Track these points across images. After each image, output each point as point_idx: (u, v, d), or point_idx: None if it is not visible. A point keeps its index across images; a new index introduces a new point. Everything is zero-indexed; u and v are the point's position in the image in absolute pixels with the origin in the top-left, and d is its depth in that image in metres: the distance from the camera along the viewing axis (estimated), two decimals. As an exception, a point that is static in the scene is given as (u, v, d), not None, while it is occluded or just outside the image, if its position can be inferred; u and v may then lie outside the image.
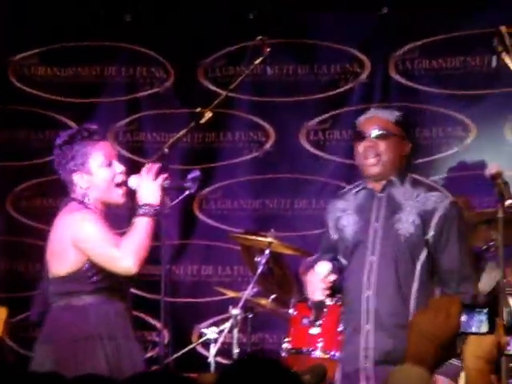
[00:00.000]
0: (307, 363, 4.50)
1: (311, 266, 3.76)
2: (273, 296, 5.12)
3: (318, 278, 3.60)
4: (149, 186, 3.55)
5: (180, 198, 3.85)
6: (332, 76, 5.87)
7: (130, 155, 5.86)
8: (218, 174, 5.93)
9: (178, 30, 5.92)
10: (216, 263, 5.92)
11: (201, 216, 5.96)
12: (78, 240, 3.48)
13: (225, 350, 5.12)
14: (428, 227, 3.64)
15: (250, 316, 5.10)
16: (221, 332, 5.00)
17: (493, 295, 4.39)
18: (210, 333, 5.05)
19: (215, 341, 5.00)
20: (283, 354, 4.80)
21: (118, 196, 3.59)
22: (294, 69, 5.91)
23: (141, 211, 3.51)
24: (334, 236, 3.78)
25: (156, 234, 3.94)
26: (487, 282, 4.25)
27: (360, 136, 3.73)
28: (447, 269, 3.63)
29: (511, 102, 5.48)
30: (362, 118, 3.79)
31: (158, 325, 5.46)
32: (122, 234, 3.54)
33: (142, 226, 3.48)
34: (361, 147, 3.71)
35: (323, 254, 3.83)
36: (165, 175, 3.60)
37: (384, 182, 3.72)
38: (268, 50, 4.32)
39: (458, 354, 2.18)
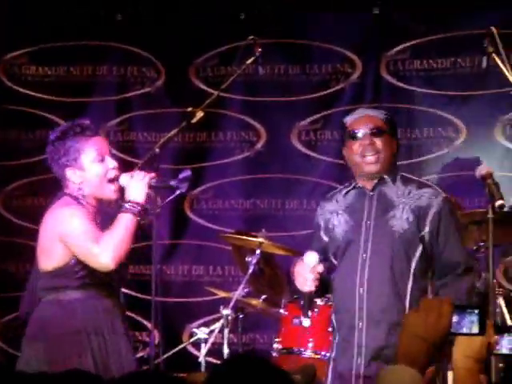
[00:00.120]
0: (298, 363, 4.50)
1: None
2: (263, 296, 5.12)
3: (307, 268, 3.60)
4: (136, 184, 3.55)
5: (171, 197, 3.85)
6: (323, 76, 5.88)
7: (121, 155, 5.85)
8: (209, 174, 5.93)
9: (169, 29, 5.92)
10: (207, 263, 5.92)
11: (192, 216, 5.96)
12: (63, 235, 3.49)
13: (215, 350, 5.12)
14: (423, 224, 3.65)
15: (241, 316, 5.10)
16: (211, 332, 5.00)
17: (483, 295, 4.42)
18: (201, 333, 5.06)
19: (206, 341, 5.01)
20: (274, 354, 4.80)
21: (110, 192, 3.58)
22: (286, 69, 5.92)
23: (124, 208, 3.51)
24: (325, 238, 3.78)
25: (147, 234, 3.94)
26: None
27: (352, 135, 3.73)
28: (453, 262, 3.63)
29: (501, 103, 5.50)
30: (351, 118, 3.78)
31: (149, 325, 5.45)
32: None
33: (123, 223, 3.48)
34: (356, 146, 3.71)
35: None
36: (152, 174, 3.59)
37: (375, 181, 3.72)
38: (259, 50, 4.32)
39: (448, 355, 2.18)
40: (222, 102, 5.66)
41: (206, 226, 5.92)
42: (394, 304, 3.58)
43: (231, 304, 4.93)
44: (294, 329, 4.77)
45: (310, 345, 4.71)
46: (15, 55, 6.07)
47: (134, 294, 5.30)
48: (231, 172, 5.92)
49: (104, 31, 5.99)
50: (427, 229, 3.64)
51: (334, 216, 3.77)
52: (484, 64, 4.19)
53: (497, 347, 2.38)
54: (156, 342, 3.90)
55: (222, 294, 5.24)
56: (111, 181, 3.59)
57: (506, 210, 3.52)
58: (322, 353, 4.67)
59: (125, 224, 3.48)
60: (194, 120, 4.08)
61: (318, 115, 5.87)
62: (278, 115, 5.89)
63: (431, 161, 5.72)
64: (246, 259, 5.05)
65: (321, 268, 3.62)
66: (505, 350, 2.41)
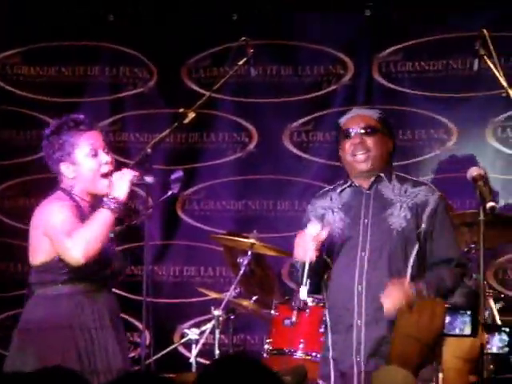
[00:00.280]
0: (288, 364, 4.51)
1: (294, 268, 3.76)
2: (255, 297, 5.12)
3: (309, 238, 3.59)
4: (119, 181, 3.53)
5: (163, 198, 3.85)
6: (315, 77, 5.88)
7: (113, 155, 5.83)
8: (201, 175, 5.92)
9: (161, 30, 5.92)
10: (198, 264, 5.91)
11: (183, 216, 5.95)
12: (45, 229, 3.50)
13: (206, 351, 5.12)
14: (420, 220, 3.68)
15: (232, 317, 5.10)
16: (202, 333, 5.00)
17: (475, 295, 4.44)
18: (192, 333, 5.06)
19: (197, 341, 5.01)
20: (264, 355, 4.80)
21: (103, 186, 3.58)
22: (278, 70, 5.92)
23: (103, 203, 3.50)
24: None
25: (139, 235, 3.94)
26: None
27: (345, 135, 3.75)
28: (446, 257, 3.65)
29: (493, 105, 5.51)
30: (344, 118, 3.81)
31: (140, 325, 5.45)
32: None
33: (99, 218, 3.46)
34: (348, 145, 3.74)
35: None
36: (135, 172, 3.56)
37: (372, 179, 3.74)
38: (251, 51, 4.33)
39: (439, 355, 2.19)
40: (214, 103, 5.66)
41: (198, 226, 5.92)
42: None
43: (222, 305, 4.93)
44: (284, 330, 4.76)
45: (301, 346, 4.71)
46: (7, 55, 6.06)
47: (125, 294, 5.29)
48: (223, 173, 5.92)
49: (96, 31, 5.98)
50: (424, 225, 3.66)
51: (328, 212, 3.77)
52: (476, 66, 4.20)
53: (487, 346, 2.39)
54: (147, 342, 3.90)
55: (213, 295, 5.23)
56: (104, 176, 3.58)
57: (496, 211, 3.53)
58: (313, 354, 4.67)
59: (100, 220, 3.46)
60: (186, 121, 4.08)
61: (310, 116, 5.87)
62: (269, 116, 5.90)
63: (423, 162, 5.73)
64: (238, 260, 5.05)
65: (323, 235, 3.60)
66: (495, 350, 2.42)
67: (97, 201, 3.62)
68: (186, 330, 5.22)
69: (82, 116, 3.65)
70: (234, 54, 4.55)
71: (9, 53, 6.05)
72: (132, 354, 5.50)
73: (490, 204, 3.41)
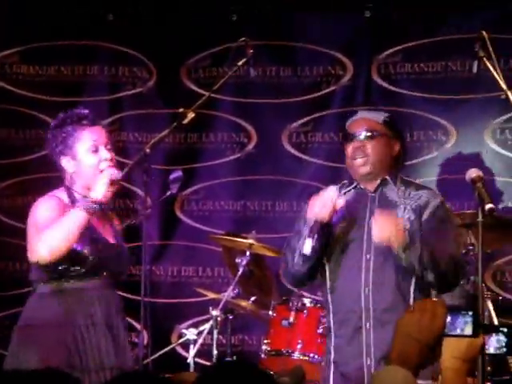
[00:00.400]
0: (286, 365, 4.51)
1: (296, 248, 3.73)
2: (253, 298, 5.12)
3: (328, 197, 3.61)
4: (99, 181, 3.52)
5: (162, 198, 3.84)
6: (314, 78, 5.88)
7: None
8: (200, 175, 5.92)
9: (161, 30, 5.92)
10: (197, 264, 5.91)
11: (182, 217, 5.95)
12: (29, 226, 3.50)
13: (204, 351, 5.12)
14: (421, 221, 3.67)
15: (230, 317, 5.10)
16: (200, 333, 5.00)
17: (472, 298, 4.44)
18: (190, 334, 5.06)
19: (195, 342, 5.01)
20: (262, 356, 4.81)
21: None
22: (277, 71, 5.92)
23: (78, 202, 3.47)
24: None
25: (137, 235, 3.93)
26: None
27: (349, 138, 3.76)
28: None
29: (492, 107, 5.52)
30: (349, 121, 3.83)
31: (138, 325, 5.45)
32: None
33: (71, 218, 3.43)
34: (349, 148, 3.75)
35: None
36: (113, 170, 3.51)
37: (378, 182, 3.75)
38: (251, 51, 4.33)
39: (439, 356, 2.19)
40: (214, 104, 5.66)
41: (196, 227, 5.92)
42: (398, 303, 3.60)
43: (220, 305, 4.94)
44: (282, 330, 4.77)
45: (299, 346, 4.72)
46: (6, 54, 6.05)
47: (123, 294, 5.29)
48: (222, 173, 5.92)
49: (96, 31, 5.98)
50: (425, 225, 3.67)
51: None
52: (475, 68, 4.20)
53: (485, 347, 2.40)
54: (145, 342, 3.89)
55: (211, 295, 5.24)
56: (102, 172, 3.56)
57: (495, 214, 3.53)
58: (311, 355, 4.67)
59: (71, 219, 3.42)
60: (186, 121, 4.07)
61: (309, 117, 5.87)
62: (269, 117, 5.90)
63: (421, 164, 5.73)
64: (236, 260, 5.06)
65: (340, 203, 3.62)
66: (492, 350, 2.43)
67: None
68: (183, 331, 5.21)
69: (86, 111, 3.64)
70: (234, 55, 4.54)
71: (8, 52, 6.05)
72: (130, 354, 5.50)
73: (488, 206, 3.41)
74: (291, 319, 4.76)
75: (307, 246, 3.61)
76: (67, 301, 3.45)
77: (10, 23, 5.97)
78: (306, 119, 5.87)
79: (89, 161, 3.54)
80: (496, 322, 4.70)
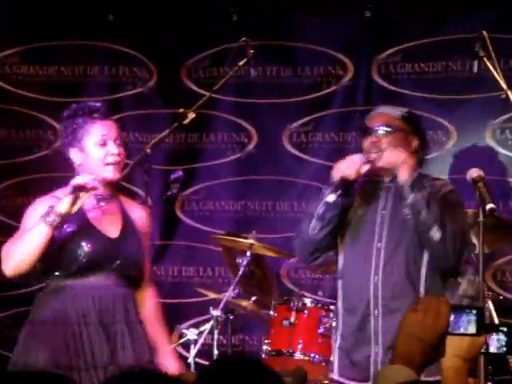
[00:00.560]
0: (287, 365, 4.51)
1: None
2: (253, 298, 5.12)
3: (355, 158, 3.67)
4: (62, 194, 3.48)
5: (162, 198, 3.84)
6: (315, 78, 5.88)
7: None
8: (201, 175, 5.92)
9: (161, 30, 5.91)
10: (197, 264, 5.91)
11: (183, 217, 5.95)
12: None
13: (205, 351, 5.12)
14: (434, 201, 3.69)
15: (231, 317, 5.10)
16: (201, 333, 5.00)
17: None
18: (191, 334, 5.06)
19: (195, 342, 5.01)
20: (263, 356, 4.80)
21: (109, 172, 3.53)
22: (277, 71, 5.92)
23: (42, 216, 3.40)
24: None
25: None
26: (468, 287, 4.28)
27: (366, 132, 3.77)
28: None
29: (492, 107, 5.51)
30: (368, 115, 3.85)
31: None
32: None
33: (34, 232, 3.39)
34: (366, 142, 3.76)
35: None
36: (80, 183, 3.42)
37: (394, 173, 3.74)
38: (251, 51, 4.33)
39: (443, 354, 2.19)
40: (214, 104, 5.66)
41: (197, 227, 5.92)
42: (408, 292, 3.62)
43: (221, 305, 4.94)
44: (283, 330, 4.77)
45: (300, 346, 4.72)
46: (7, 54, 6.05)
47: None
48: (222, 173, 5.92)
49: (95, 31, 5.97)
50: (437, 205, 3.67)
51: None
52: (475, 68, 4.21)
53: (488, 346, 2.40)
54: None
55: (212, 295, 5.24)
56: (108, 165, 3.54)
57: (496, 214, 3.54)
58: (312, 355, 4.67)
59: (35, 234, 3.38)
60: (186, 121, 4.08)
61: (310, 117, 5.87)
62: (269, 117, 5.90)
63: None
64: (237, 261, 5.06)
65: (365, 168, 3.66)
66: (493, 350, 2.43)
67: (109, 190, 3.57)
68: (184, 331, 5.21)
69: (98, 104, 3.62)
70: (234, 55, 4.55)
71: (8, 52, 6.05)
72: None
73: (489, 206, 3.41)
74: (292, 319, 4.75)
75: (331, 196, 3.64)
76: (61, 299, 3.45)
77: (11, 23, 5.97)
78: (306, 119, 5.87)
79: (96, 154, 3.52)
80: (497, 322, 4.70)
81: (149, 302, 3.70)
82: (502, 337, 2.43)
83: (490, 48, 4.11)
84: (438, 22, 5.68)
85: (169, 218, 5.89)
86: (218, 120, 5.92)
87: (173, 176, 3.78)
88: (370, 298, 3.65)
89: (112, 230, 3.54)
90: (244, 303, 5.08)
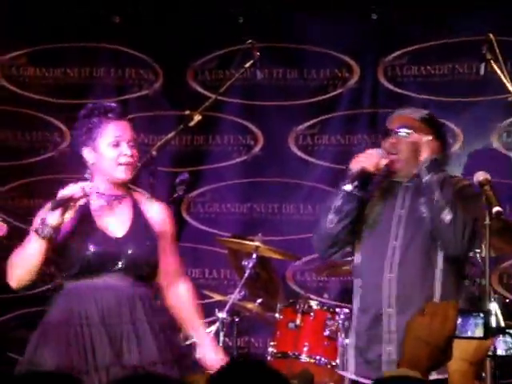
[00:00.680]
0: (292, 367, 4.51)
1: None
2: (259, 300, 5.12)
3: (375, 151, 3.69)
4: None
5: (168, 200, 3.84)
6: (321, 81, 5.88)
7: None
8: (207, 178, 5.93)
9: (167, 32, 5.92)
10: (203, 266, 5.91)
11: (189, 219, 5.95)
12: None
13: (210, 354, 5.10)
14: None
15: (237, 320, 5.10)
16: (207, 335, 4.99)
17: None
18: (196, 336, 5.04)
19: (201, 344, 5.00)
20: (269, 358, 4.80)
21: (121, 173, 3.52)
22: (284, 73, 5.92)
23: (34, 229, 3.39)
24: None
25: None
26: None
27: (386, 133, 3.78)
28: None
29: (499, 110, 5.51)
30: (390, 117, 3.84)
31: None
32: None
33: (27, 246, 3.40)
34: (385, 143, 3.76)
35: None
36: (70, 187, 3.39)
37: (413, 173, 3.74)
38: (258, 53, 4.33)
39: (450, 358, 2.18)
40: (220, 106, 5.66)
41: (203, 229, 5.92)
42: (422, 290, 3.61)
43: (227, 307, 4.93)
44: (288, 333, 4.77)
45: (305, 349, 4.71)
46: (14, 56, 6.06)
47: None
48: (228, 175, 5.92)
49: (102, 33, 5.98)
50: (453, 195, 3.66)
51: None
52: (482, 71, 4.20)
53: (492, 349, 2.39)
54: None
55: (217, 298, 5.23)
56: (120, 165, 3.52)
57: (503, 217, 3.53)
58: (317, 357, 4.66)
59: (30, 248, 3.39)
60: (192, 123, 4.08)
61: (316, 120, 5.87)
62: (275, 119, 5.90)
63: (428, 166, 5.72)
64: (243, 263, 5.05)
65: (383, 162, 3.66)
66: (500, 352, 2.42)
67: (119, 189, 3.56)
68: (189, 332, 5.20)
69: (114, 104, 3.62)
70: (240, 57, 4.55)
71: (15, 54, 6.06)
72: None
73: (496, 209, 3.41)
74: (298, 322, 4.75)
75: (347, 187, 3.65)
76: (67, 300, 3.46)
77: (18, 25, 5.98)
78: (312, 122, 5.87)
79: (108, 154, 3.52)
80: (503, 324, 4.69)
81: (182, 296, 3.67)
82: (509, 339, 2.42)
83: (497, 51, 4.10)
84: (445, 25, 5.68)
85: (175, 220, 5.88)
86: (224, 122, 5.92)
87: (179, 178, 3.77)
88: (384, 296, 3.64)
89: (119, 229, 3.53)
90: (250, 305, 5.08)
